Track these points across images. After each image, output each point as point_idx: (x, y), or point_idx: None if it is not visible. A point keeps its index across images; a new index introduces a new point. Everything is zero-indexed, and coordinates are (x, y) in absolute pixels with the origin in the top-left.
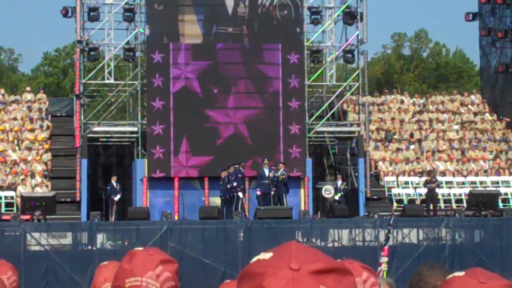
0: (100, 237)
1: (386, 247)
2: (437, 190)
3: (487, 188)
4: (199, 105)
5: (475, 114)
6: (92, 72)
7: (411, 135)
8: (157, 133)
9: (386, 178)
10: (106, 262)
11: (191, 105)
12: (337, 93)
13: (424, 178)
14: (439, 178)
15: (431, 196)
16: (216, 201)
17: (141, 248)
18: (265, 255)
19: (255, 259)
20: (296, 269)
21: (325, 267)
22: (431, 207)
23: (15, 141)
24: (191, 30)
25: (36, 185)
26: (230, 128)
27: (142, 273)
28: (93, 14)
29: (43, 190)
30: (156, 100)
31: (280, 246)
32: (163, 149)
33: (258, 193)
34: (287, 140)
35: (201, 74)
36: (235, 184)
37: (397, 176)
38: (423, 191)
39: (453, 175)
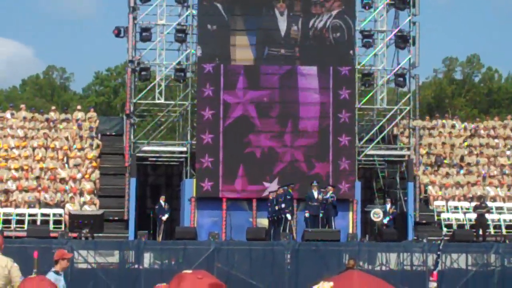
0: (147, 256)
1: (435, 272)
2: (487, 215)
3: None
4: (253, 132)
5: None
6: (143, 92)
7: (462, 160)
8: (207, 142)
9: (436, 203)
10: (158, 285)
11: (243, 133)
12: (387, 116)
13: (474, 203)
14: (489, 204)
15: (481, 222)
16: (264, 222)
17: (189, 271)
18: (326, 285)
19: (315, 287)
20: None
21: None
22: (481, 232)
23: (65, 159)
24: (243, 51)
25: (84, 203)
26: (287, 155)
27: None
28: (145, 34)
29: (91, 208)
30: (206, 110)
31: (341, 275)
32: (211, 158)
33: (307, 215)
34: (337, 152)
35: (255, 102)
36: (283, 205)
37: (447, 200)
38: (473, 216)
39: (504, 200)
